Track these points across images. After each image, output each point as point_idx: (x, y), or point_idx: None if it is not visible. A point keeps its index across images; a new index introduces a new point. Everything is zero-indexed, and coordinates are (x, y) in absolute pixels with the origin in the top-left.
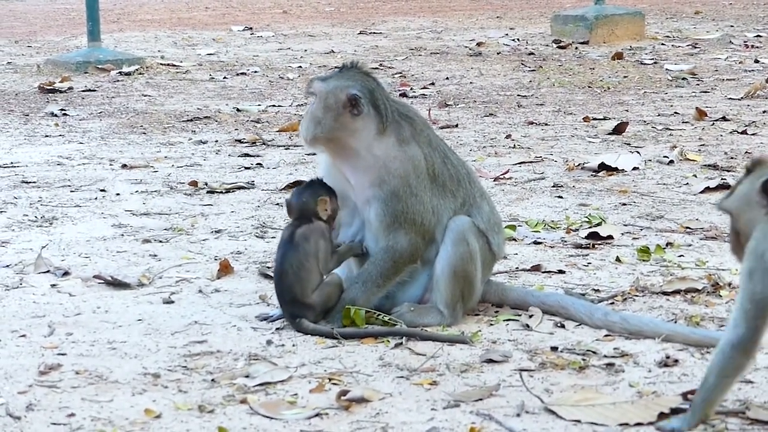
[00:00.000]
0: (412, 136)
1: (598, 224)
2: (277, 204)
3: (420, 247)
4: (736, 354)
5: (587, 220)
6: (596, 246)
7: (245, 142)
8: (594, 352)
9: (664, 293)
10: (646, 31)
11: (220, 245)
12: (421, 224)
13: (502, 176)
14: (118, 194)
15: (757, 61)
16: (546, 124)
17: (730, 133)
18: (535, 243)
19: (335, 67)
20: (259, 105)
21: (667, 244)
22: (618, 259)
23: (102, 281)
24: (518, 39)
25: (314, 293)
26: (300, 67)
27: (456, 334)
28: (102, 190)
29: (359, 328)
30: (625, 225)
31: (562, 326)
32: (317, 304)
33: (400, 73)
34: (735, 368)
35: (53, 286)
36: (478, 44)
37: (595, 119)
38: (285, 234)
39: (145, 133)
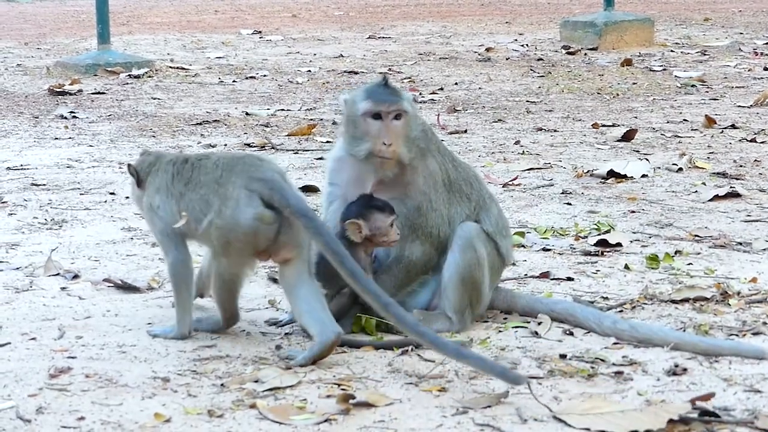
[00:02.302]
0: (427, 147)
1: (607, 231)
2: None
3: (433, 258)
4: (182, 269)
5: (596, 227)
6: (605, 253)
7: (254, 146)
8: (603, 360)
9: (673, 301)
10: (655, 37)
11: None
12: (438, 236)
13: (510, 182)
14: (127, 197)
15: (766, 69)
16: (555, 131)
17: (740, 141)
18: (544, 250)
19: (383, 77)
20: (268, 109)
21: (675, 252)
22: (627, 267)
23: (112, 285)
24: (527, 45)
25: (331, 302)
26: (309, 71)
27: (453, 340)
28: (111, 193)
29: (357, 338)
30: (634, 232)
31: (571, 334)
32: (332, 313)
33: (409, 78)
34: (184, 279)
35: (63, 289)
36: (487, 49)
37: (604, 126)
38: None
39: (154, 137)
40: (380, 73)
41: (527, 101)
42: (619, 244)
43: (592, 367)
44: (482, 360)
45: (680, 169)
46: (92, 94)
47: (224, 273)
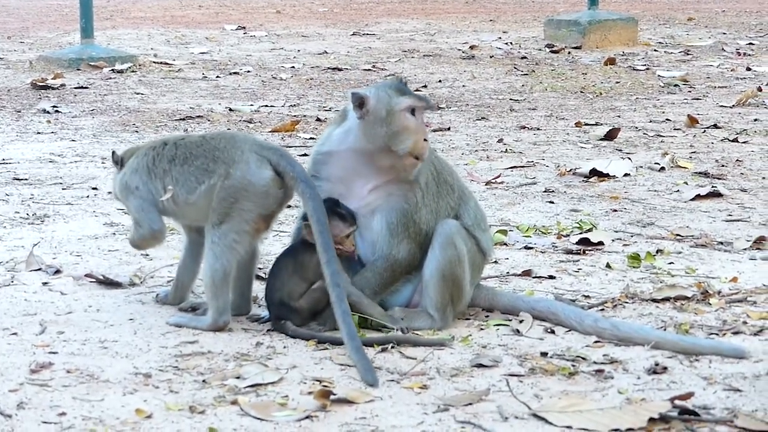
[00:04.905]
0: None
1: (589, 230)
2: None
3: (417, 257)
4: (153, 240)
5: (578, 225)
6: (587, 252)
7: None
8: (584, 359)
9: (654, 300)
10: (639, 36)
11: None
12: (426, 234)
13: (493, 180)
14: (109, 192)
15: (749, 69)
16: (538, 129)
17: (722, 140)
18: (526, 248)
19: (398, 77)
20: (251, 105)
21: (657, 251)
22: (608, 266)
23: (93, 280)
24: (511, 43)
25: (302, 298)
26: (293, 67)
27: (435, 338)
28: (94, 188)
29: (337, 335)
30: (616, 231)
31: (552, 332)
32: (304, 309)
33: (393, 75)
34: (148, 246)
35: (45, 284)
36: (471, 47)
37: (587, 124)
38: (293, 238)
39: (137, 132)
40: (365, 69)
41: (511, 99)
42: (600, 243)
43: (573, 366)
44: (362, 356)
45: (662, 168)
46: (75, 88)
47: (220, 248)
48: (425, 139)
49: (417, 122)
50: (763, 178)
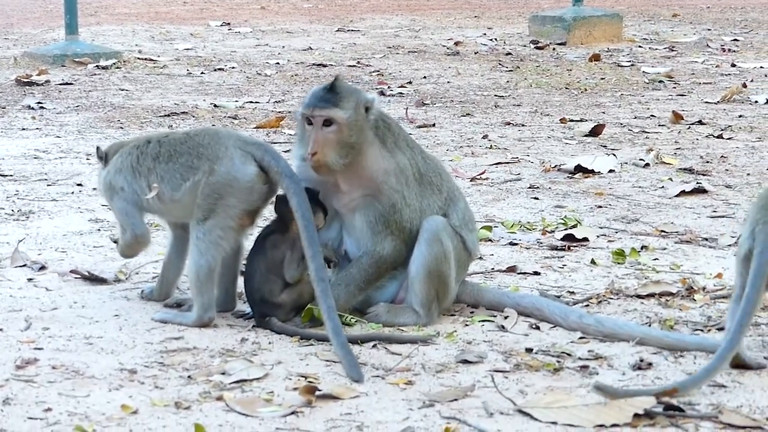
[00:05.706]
0: (395, 143)
1: (574, 226)
2: None
3: (403, 253)
4: (138, 245)
5: (563, 221)
6: (572, 248)
7: None
8: (568, 354)
9: (639, 296)
10: (624, 33)
11: None
12: (410, 231)
13: (478, 176)
14: (94, 189)
15: (733, 65)
16: (523, 125)
17: (706, 137)
18: (511, 244)
19: (334, 79)
20: (236, 101)
21: (642, 248)
22: (593, 262)
23: (78, 276)
24: (496, 39)
25: (284, 292)
26: (278, 63)
27: (415, 334)
28: (79, 185)
29: (320, 332)
30: (601, 227)
31: (537, 328)
32: (287, 303)
33: (378, 71)
34: (135, 252)
35: (30, 280)
36: (456, 43)
37: (571, 121)
38: (260, 235)
39: (122, 128)
40: (350, 65)
41: (495, 95)
42: (585, 239)
43: (558, 362)
44: (347, 353)
45: (647, 164)
46: (60, 84)
47: (204, 245)
48: (312, 153)
49: (308, 133)
50: (748, 174)
